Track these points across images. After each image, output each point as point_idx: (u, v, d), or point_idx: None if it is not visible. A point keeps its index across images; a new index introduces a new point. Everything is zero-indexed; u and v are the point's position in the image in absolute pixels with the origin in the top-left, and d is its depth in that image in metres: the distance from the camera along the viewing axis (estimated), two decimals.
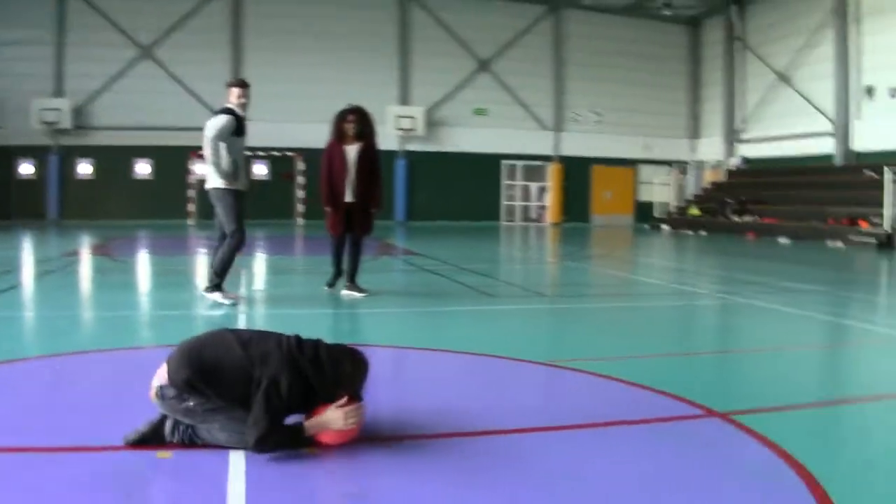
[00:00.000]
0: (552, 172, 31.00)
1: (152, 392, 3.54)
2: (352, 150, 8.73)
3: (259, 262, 13.91)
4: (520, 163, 30.72)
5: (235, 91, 8.20)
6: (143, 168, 27.59)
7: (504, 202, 30.82)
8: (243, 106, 8.21)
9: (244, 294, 9.06)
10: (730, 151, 31.23)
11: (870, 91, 24.43)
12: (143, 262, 14.50)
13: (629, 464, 3.55)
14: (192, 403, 3.43)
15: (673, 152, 32.88)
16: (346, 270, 9.09)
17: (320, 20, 27.84)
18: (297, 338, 3.61)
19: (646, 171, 32.65)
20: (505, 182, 30.69)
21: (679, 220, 29.11)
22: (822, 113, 26.16)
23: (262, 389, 3.36)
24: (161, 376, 3.53)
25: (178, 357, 3.54)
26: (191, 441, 3.45)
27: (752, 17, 30.01)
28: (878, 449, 3.96)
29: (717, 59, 31.75)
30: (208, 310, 7.88)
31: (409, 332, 7.26)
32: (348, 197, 8.76)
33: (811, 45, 26.75)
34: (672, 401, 4.61)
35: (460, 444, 3.75)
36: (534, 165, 30.92)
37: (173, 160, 26.58)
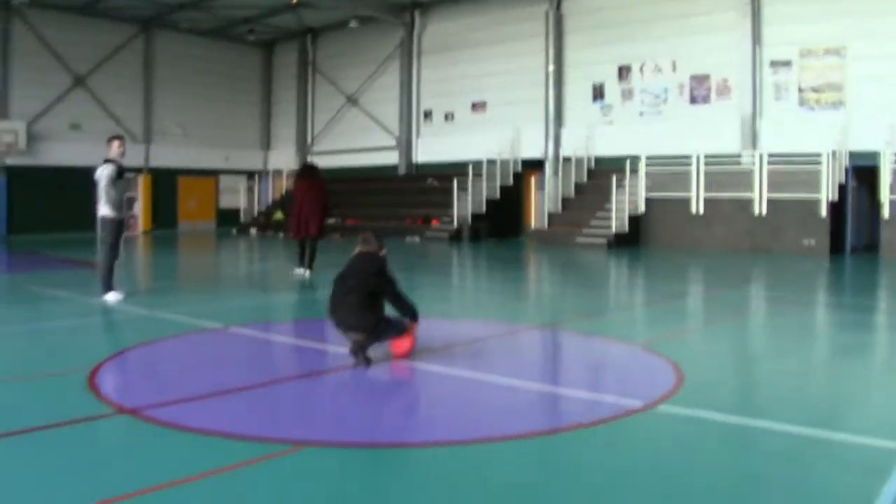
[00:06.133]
0: (142, 183, 32.20)
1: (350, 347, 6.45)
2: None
3: None
4: None
5: (115, 143, 10.00)
6: None
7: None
8: (122, 155, 10.02)
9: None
10: (301, 161, 35.10)
11: (427, 114, 30.12)
12: None
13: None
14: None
15: (248, 162, 36.06)
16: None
17: None
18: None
19: (225, 181, 35.31)
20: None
21: (265, 224, 32.25)
22: (388, 131, 31.33)
23: (390, 288, 6.64)
24: (351, 338, 6.46)
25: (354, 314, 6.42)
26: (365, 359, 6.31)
27: (324, 45, 34.41)
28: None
29: (291, 80, 35.67)
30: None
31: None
32: None
33: (378, 73, 31.84)
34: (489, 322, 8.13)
35: None
36: (126, 177, 31.68)
37: None
